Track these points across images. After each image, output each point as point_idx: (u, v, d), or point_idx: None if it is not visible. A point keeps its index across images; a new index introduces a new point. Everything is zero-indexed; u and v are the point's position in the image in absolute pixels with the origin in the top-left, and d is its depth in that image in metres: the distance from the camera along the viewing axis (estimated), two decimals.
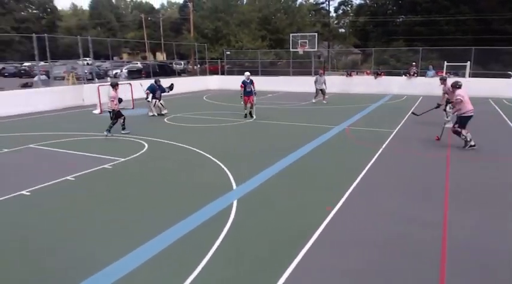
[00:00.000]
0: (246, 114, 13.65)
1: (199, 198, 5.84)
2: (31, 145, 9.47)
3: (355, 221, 5.04)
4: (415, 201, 5.74)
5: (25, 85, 20.36)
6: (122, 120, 10.94)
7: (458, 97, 8.80)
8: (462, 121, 8.86)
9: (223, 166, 7.52)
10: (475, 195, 6.03)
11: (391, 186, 6.43)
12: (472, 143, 8.84)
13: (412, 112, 12.44)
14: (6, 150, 9.01)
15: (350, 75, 25.60)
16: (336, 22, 64.11)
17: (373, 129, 11.53)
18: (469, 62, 21.82)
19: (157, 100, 14.60)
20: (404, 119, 13.37)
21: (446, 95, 11.42)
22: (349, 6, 62.09)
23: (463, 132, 8.87)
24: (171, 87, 15.39)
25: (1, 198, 5.84)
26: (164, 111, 14.68)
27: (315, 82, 19.79)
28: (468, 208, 5.45)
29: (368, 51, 34.48)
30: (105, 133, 10.61)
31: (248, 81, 13.28)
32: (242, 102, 13.61)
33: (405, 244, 4.40)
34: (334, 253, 4.23)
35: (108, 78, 22.13)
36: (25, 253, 4.27)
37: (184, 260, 4.04)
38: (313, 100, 18.96)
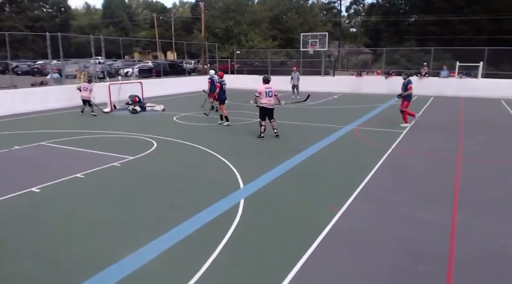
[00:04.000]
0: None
1: (207, 196, 5.87)
2: (42, 143, 9.61)
3: (361, 222, 5.01)
4: (424, 203, 5.66)
5: (41, 84, 20.59)
6: (90, 105, 14.44)
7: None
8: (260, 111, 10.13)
9: (230, 165, 7.53)
10: (486, 197, 5.94)
11: (399, 187, 6.38)
12: (262, 135, 10.08)
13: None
14: (17, 147, 9.16)
15: (360, 75, 25.41)
16: (347, 21, 63.82)
17: (383, 130, 11.43)
18: (481, 63, 21.50)
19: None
20: (414, 120, 13.21)
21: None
22: (361, 5, 61.75)
23: (261, 122, 10.11)
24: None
25: (11, 195, 5.93)
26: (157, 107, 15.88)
27: (291, 79, 20.20)
28: (478, 210, 5.37)
29: (379, 51, 34.15)
30: (92, 113, 14.29)
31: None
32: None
33: (412, 245, 4.35)
34: (340, 254, 4.21)
35: (120, 77, 22.34)
36: (33, 250, 4.33)
37: (191, 259, 4.06)
38: (298, 97, 19.24)
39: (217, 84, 12.36)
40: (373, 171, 7.15)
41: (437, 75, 23.10)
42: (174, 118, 13.66)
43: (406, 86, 11.70)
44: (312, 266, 3.91)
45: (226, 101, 13.23)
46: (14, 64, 32.49)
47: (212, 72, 15.86)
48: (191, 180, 6.81)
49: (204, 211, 5.31)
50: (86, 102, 14.38)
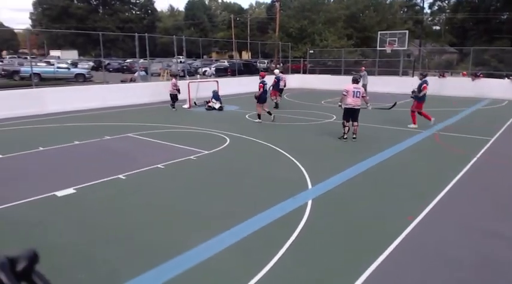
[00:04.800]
0: None
1: (275, 194, 5.95)
2: (129, 134, 10.54)
3: (438, 235, 4.69)
4: (509, 217, 5.16)
5: (130, 80, 22.47)
6: (174, 101, 15.59)
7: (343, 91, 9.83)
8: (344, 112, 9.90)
9: (299, 165, 7.55)
10: None
11: (483, 200, 5.86)
12: (345, 136, 9.83)
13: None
14: (107, 137, 10.14)
15: (443, 75, 23.66)
16: (430, 19, 59.64)
17: (467, 136, 10.55)
18: None
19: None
20: (504, 127, 11.99)
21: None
22: (446, 1, 57.20)
23: (344, 123, 9.82)
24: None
25: (101, 180, 6.59)
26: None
27: (364, 77, 19.09)
28: None
29: (466, 51, 31.38)
30: (172, 108, 15.49)
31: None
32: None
33: (493, 264, 3.99)
34: (412, 267, 3.99)
35: (198, 76, 23.55)
36: (111, 233, 4.75)
37: (256, 255, 4.13)
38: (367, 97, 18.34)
39: (260, 84, 12.22)
40: (454, 180, 6.65)
41: None
42: (246, 116, 14.02)
43: (420, 86, 11.28)
44: (380, 279, 3.74)
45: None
46: (107, 62, 35.82)
47: (277, 71, 16.79)
48: (260, 176, 6.96)
49: (272, 208, 5.38)
50: (172, 97, 15.61)
